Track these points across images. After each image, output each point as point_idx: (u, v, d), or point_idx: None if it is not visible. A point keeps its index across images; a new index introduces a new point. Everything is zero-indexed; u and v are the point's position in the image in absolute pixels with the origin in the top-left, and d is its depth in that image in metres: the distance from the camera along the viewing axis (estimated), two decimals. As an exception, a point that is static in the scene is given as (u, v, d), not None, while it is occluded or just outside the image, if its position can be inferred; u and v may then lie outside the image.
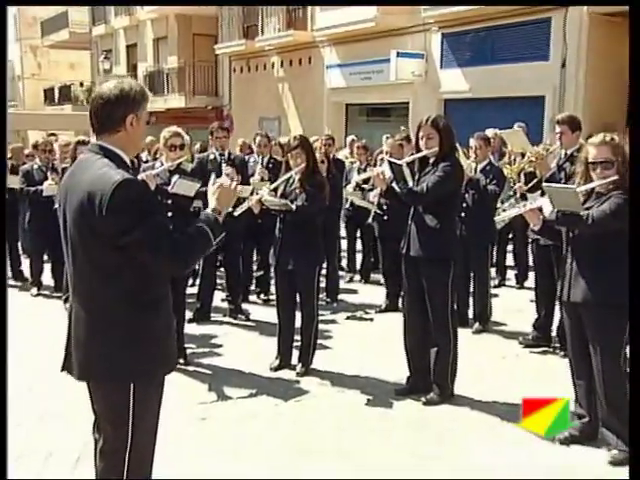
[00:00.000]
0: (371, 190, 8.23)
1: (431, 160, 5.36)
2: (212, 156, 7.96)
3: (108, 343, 2.99)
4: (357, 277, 10.09)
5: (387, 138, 12.63)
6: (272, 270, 6.71)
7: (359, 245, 10.14)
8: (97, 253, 2.96)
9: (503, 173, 7.34)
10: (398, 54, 17.97)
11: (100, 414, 3.18)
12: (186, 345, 6.47)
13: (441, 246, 5.32)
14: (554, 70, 15.43)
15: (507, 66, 15.96)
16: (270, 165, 8.59)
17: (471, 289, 7.53)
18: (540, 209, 4.53)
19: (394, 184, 5.35)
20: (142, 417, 3.09)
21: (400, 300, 8.35)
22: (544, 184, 4.97)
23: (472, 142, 7.57)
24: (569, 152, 6.32)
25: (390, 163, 5.39)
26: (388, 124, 19.30)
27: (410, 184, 5.31)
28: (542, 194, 5.35)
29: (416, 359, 5.60)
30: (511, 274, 9.72)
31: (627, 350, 4.45)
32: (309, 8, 21.10)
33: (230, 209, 3.48)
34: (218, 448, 4.68)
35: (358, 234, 10.08)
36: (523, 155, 7.42)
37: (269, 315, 7.70)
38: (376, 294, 8.96)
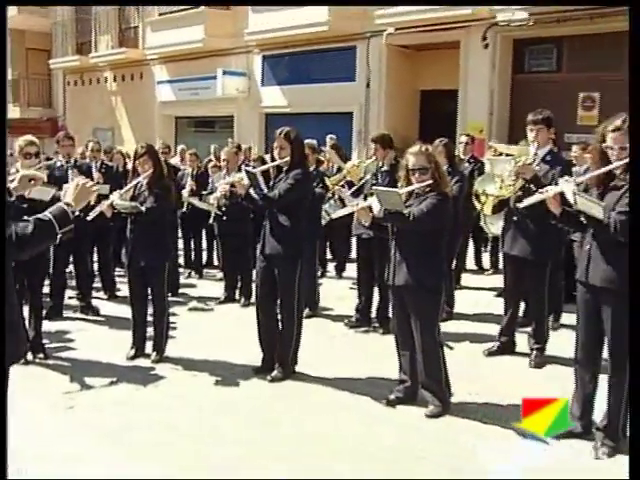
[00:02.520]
0: (210, 194, 8.26)
1: (284, 168, 5.45)
2: (59, 163, 7.76)
3: None
4: (193, 273, 10.00)
5: (215, 148, 12.67)
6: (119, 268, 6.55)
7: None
8: None
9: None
10: (224, 72, 18.14)
11: None
12: (44, 341, 6.22)
13: (293, 244, 5.42)
14: (360, 90, 16.11)
15: (320, 85, 16.48)
16: (103, 170, 8.47)
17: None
18: (370, 208, 4.77)
19: (251, 190, 5.42)
20: None
21: (237, 292, 8.45)
22: (373, 187, 5.23)
23: None
24: (383, 163, 6.69)
25: (246, 171, 5.45)
26: (214, 135, 19.37)
27: (265, 190, 5.40)
28: (364, 198, 5.66)
29: (267, 344, 5.68)
30: (331, 266, 10.04)
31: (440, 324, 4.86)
32: (140, 28, 20.83)
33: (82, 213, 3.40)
34: (89, 434, 4.55)
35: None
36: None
37: (117, 310, 7.58)
38: (213, 287, 8.98)
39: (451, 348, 6.22)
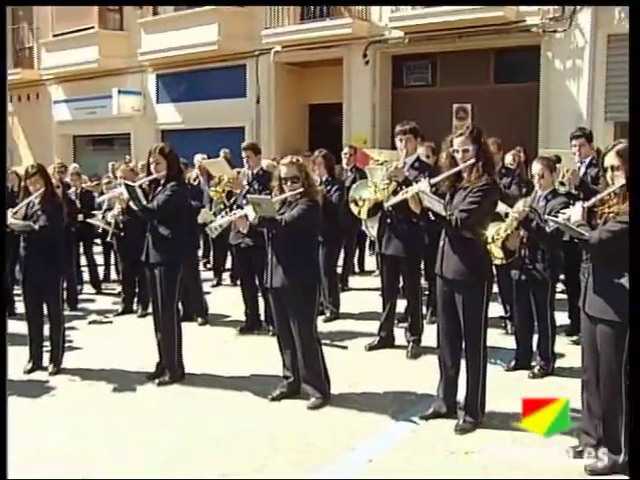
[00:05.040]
0: (108, 210, 8.14)
1: (162, 181, 5.50)
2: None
3: None
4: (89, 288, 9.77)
5: (112, 165, 12.46)
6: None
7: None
8: None
9: (204, 192, 7.73)
10: (119, 91, 17.99)
11: None
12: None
13: (171, 251, 5.47)
14: (251, 105, 16.31)
15: (214, 102, 16.55)
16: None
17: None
18: (246, 216, 4.87)
19: (131, 202, 5.43)
20: None
21: (134, 304, 8.36)
22: (248, 196, 5.35)
23: None
24: (255, 172, 6.88)
25: (126, 185, 5.47)
26: (113, 152, 19.07)
27: (144, 202, 5.42)
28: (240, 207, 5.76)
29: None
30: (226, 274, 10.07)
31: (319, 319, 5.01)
32: (35, 49, 20.33)
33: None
34: None
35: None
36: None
37: (16, 327, 7.31)
38: (111, 301, 8.84)
39: (345, 348, 6.42)
